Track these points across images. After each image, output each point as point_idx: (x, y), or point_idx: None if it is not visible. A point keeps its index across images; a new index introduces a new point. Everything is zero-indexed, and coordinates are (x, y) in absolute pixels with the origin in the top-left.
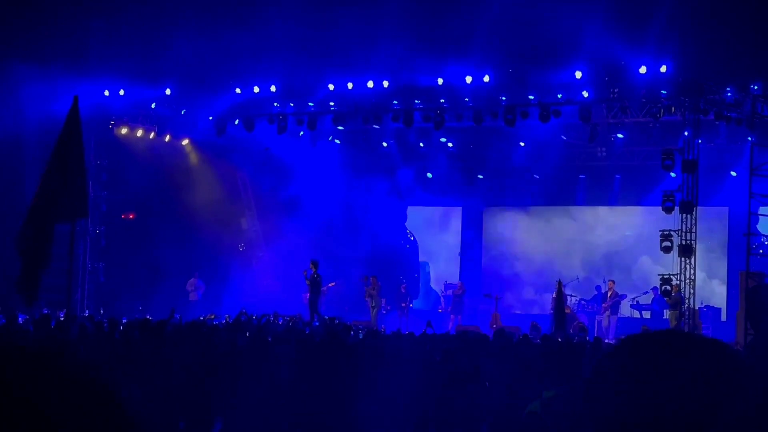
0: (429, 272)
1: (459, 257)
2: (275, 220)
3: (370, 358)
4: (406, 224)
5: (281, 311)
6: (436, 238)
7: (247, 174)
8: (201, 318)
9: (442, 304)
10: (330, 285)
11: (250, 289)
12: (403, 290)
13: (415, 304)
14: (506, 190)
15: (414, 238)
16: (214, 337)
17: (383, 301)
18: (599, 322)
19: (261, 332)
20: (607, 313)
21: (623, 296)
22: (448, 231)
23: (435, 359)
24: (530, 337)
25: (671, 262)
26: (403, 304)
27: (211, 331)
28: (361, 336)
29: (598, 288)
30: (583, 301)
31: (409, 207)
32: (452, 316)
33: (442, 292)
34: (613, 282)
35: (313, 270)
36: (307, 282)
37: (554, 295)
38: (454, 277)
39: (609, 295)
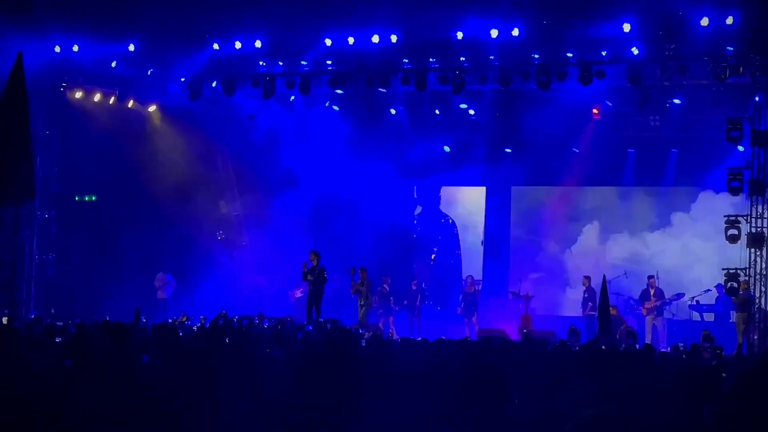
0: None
1: (482, 247)
2: (261, 204)
3: (373, 369)
4: (440, 207)
5: (268, 312)
6: (457, 223)
7: (227, 147)
8: (171, 321)
9: (460, 303)
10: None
11: (230, 286)
12: (414, 287)
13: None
14: (539, 166)
15: (452, 221)
16: (186, 343)
17: (374, 299)
18: (653, 326)
19: (244, 338)
20: (651, 315)
21: (680, 295)
22: (468, 215)
23: (452, 371)
24: (568, 344)
25: (738, 254)
26: (414, 304)
27: (184, 337)
28: (363, 343)
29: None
30: (631, 301)
31: (443, 187)
32: (465, 320)
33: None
34: (655, 278)
35: (315, 262)
36: (308, 277)
37: (584, 294)
38: (477, 271)
39: (652, 293)
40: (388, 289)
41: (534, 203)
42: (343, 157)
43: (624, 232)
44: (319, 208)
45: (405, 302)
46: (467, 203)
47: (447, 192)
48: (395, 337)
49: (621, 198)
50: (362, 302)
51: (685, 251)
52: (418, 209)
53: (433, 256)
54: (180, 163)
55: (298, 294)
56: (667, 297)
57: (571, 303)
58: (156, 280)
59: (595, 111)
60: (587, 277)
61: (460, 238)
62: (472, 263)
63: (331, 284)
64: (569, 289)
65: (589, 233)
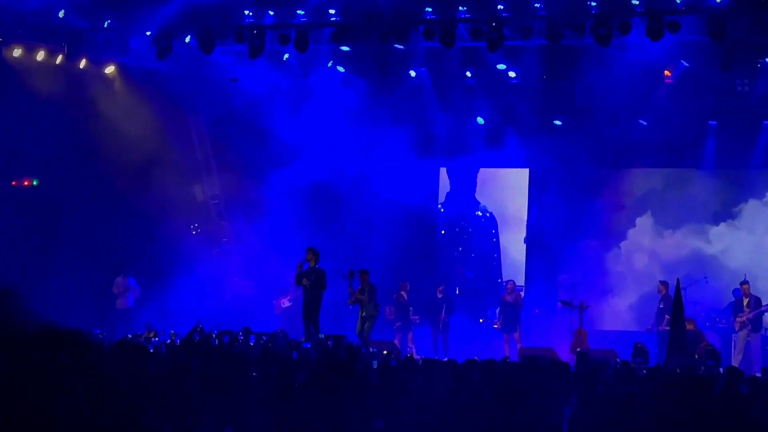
0: None
1: (524, 244)
2: (247, 190)
3: (387, 398)
4: (476, 195)
5: (255, 326)
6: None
7: (203, 119)
8: (133, 336)
9: (498, 316)
10: (284, 303)
11: (208, 293)
12: (439, 295)
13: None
14: (597, 142)
15: (490, 214)
16: (152, 364)
17: (388, 310)
18: (736, 343)
19: (224, 358)
20: (745, 330)
21: None
22: (508, 205)
23: (486, 400)
24: (633, 367)
25: None
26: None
27: (150, 356)
28: (375, 365)
29: (736, 293)
30: (713, 314)
31: (481, 169)
32: (505, 336)
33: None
34: (748, 284)
35: (312, 263)
36: (303, 281)
37: (660, 303)
38: (518, 274)
39: (745, 303)
40: (406, 297)
41: (593, 187)
42: (350, 131)
43: (685, 226)
44: (320, 195)
45: (424, 314)
46: (505, 189)
47: (481, 175)
48: (416, 357)
49: (698, 182)
50: (363, 314)
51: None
52: (444, 197)
53: (466, 249)
54: (145, 138)
55: (286, 303)
56: (765, 306)
57: (617, 314)
58: (115, 285)
59: (667, 73)
60: (664, 283)
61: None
62: (513, 265)
63: (331, 291)
64: (633, 295)
65: (643, 226)
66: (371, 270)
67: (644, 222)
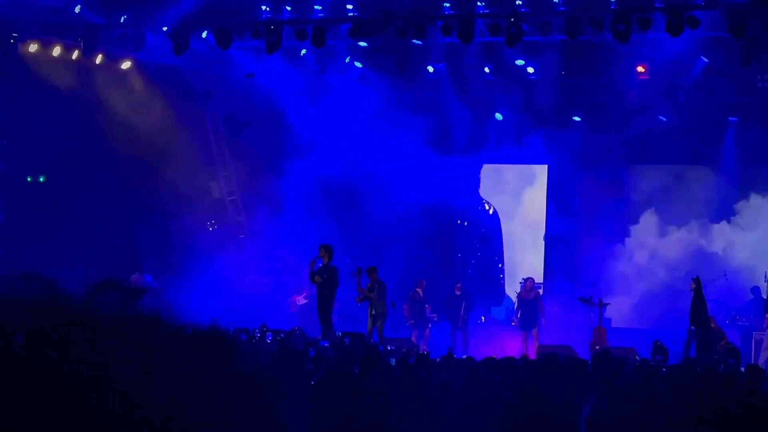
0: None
1: (543, 241)
2: (263, 186)
3: (405, 395)
4: (480, 191)
5: (272, 324)
6: (509, 211)
7: (220, 115)
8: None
9: (515, 313)
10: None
11: (224, 291)
12: (458, 292)
13: (493, 312)
14: (616, 139)
15: (493, 210)
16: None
17: (404, 307)
18: (757, 342)
19: (241, 356)
20: None
21: None
22: (525, 202)
23: (505, 399)
24: (652, 365)
25: None
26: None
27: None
28: (393, 362)
29: (755, 291)
30: (733, 312)
31: (484, 165)
32: (522, 333)
33: (517, 295)
34: None
35: (326, 260)
36: (316, 279)
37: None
38: (537, 271)
39: None
40: (421, 295)
41: (612, 184)
42: (368, 127)
43: (692, 222)
44: (337, 192)
45: (442, 311)
46: (525, 186)
47: (496, 172)
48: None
49: (717, 180)
50: (373, 312)
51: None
52: (465, 193)
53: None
54: (160, 134)
55: (302, 300)
56: None
57: (649, 312)
58: (131, 282)
59: (640, 69)
60: (696, 280)
61: (518, 232)
62: (531, 262)
63: (345, 289)
64: (652, 292)
65: (648, 222)
66: (387, 267)
67: (654, 218)
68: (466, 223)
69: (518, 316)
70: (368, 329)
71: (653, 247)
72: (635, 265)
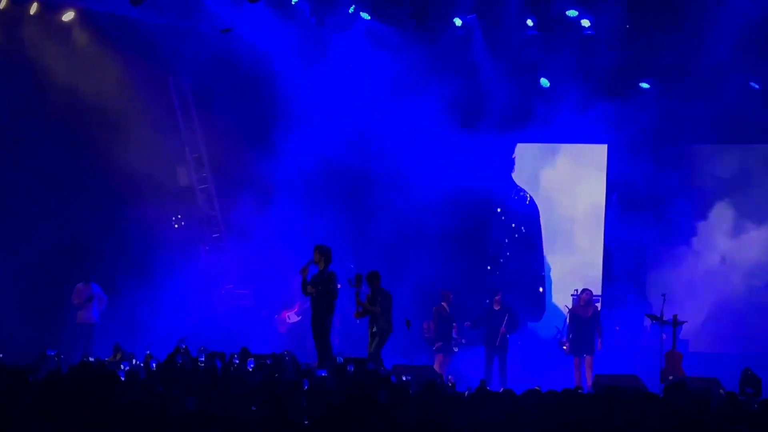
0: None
1: (603, 239)
2: (243, 171)
3: None
4: (513, 176)
5: (255, 347)
6: (557, 203)
7: (188, 80)
8: (95, 361)
9: (566, 334)
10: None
11: (194, 304)
12: (497, 307)
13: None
14: (696, 111)
15: (530, 198)
16: (121, 395)
17: (427, 326)
18: None
19: (215, 387)
20: None
21: None
22: (578, 191)
23: None
24: (741, 399)
25: None
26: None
27: (119, 385)
28: (411, 392)
29: None
30: None
31: (520, 144)
32: (575, 359)
33: (567, 310)
34: None
35: (322, 266)
36: (309, 290)
37: None
38: (593, 282)
39: None
40: (448, 310)
41: (690, 166)
42: (378, 97)
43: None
44: (337, 178)
45: (476, 331)
46: (578, 171)
47: (541, 153)
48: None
49: None
50: (374, 329)
51: None
52: (501, 179)
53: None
54: (112, 105)
55: (293, 317)
56: None
57: (736, 331)
58: (75, 294)
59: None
60: None
61: (567, 228)
62: (585, 268)
63: (342, 301)
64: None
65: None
66: (402, 275)
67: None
68: (503, 218)
69: (569, 337)
70: (369, 351)
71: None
72: (707, 271)
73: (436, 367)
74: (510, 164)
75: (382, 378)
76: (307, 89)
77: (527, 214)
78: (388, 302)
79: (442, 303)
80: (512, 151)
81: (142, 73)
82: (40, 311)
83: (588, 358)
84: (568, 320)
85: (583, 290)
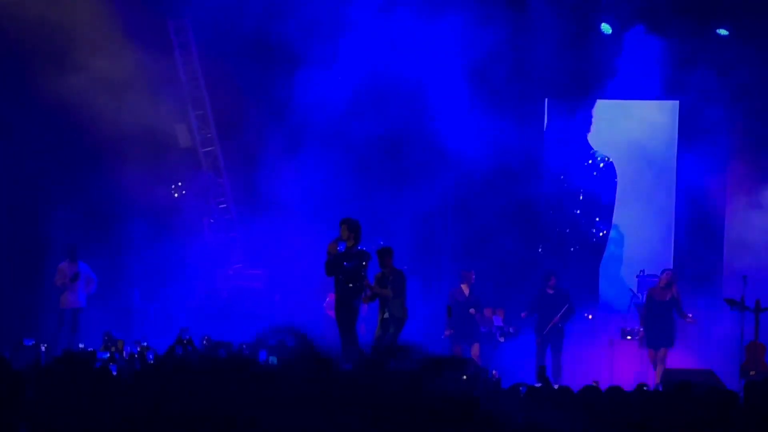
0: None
1: (674, 213)
2: (254, 131)
3: None
4: (588, 137)
5: (271, 336)
6: (618, 168)
7: (190, 24)
8: (84, 349)
9: (642, 323)
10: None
11: (197, 287)
12: (550, 291)
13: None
14: None
15: (607, 160)
16: (116, 390)
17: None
18: None
19: (221, 380)
20: None
21: None
22: (644, 154)
23: None
24: None
25: None
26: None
27: (112, 378)
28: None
29: None
30: None
31: (598, 101)
32: (650, 352)
33: (632, 294)
34: None
35: (350, 243)
36: (333, 269)
37: None
38: (663, 260)
39: None
40: (466, 293)
41: None
42: (406, 50)
43: None
44: (366, 137)
45: (525, 318)
46: (644, 130)
47: (601, 111)
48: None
49: None
50: (385, 315)
51: None
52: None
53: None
54: (100, 52)
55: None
56: None
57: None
58: (58, 274)
59: None
60: None
61: (630, 193)
62: (652, 244)
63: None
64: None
65: None
66: (442, 256)
67: None
68: (566, 187)
69: (645, 325)
70: (376, 338)
71: None
72: None
73: (476, 359)
74: (585, 124)
75: (429, 370)
76: (327, 38)
77: (600, 182)
78: (402, 283)
79: (461, 285)
80: (589, 108)
81: (136, 14)
82: (14, 294)
83: (663, 351)
84: (644, 304)
85: (664, 270)
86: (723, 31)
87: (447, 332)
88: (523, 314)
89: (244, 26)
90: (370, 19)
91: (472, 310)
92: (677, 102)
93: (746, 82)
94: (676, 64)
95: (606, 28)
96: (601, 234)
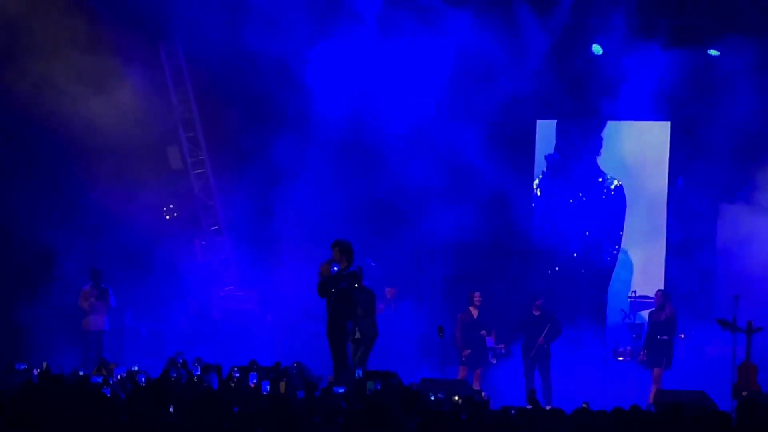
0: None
1: (665, 233)
2: (247, 153)
3: None
4: (598, 160)
5: (260, 358)
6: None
7: (181, 46)
8: (72, 372)
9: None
10: (389, 293)
11: (189, 310)
12: (536, 312)
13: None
14: None
15: (618, 184)
16: (111, 412)
17: (457, 334)
18: None
19: (212, 405)
20: None
21: None
22: (636, 175)
23: None
24: None
25: None
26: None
27: (106, 403)
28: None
29: None
30: None
31: (608, 122)
32: (655, 371)
33: (624, 315)
34: None
35: (343, 264)
36: (329, 291)
37: None
38: (655, 282)
39: None
40: (475, 316)
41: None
42: (396, 63)
43: None
44: (355, 162)
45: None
46: (636, 151)
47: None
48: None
49: None
50: (356, 334)
51: None
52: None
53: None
54: (92, 75)
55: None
56: None
57: None
58: (82, 296)
59: None
60: None
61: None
62: (645, 264)
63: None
64: None
65: None
66: (433, 274)
67: None
68: (574, 211)
69: (646, 347)
70: (352, 360)
71: None
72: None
73: (474, 381)
74: (596, 146)
75: (414, 395)
76: (318, 59)
77: (609, 205)
78: (372, 302)
79: (470, 308)
80: (599, 128)
81: (127, 39)
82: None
83: (656, 371)
84: (646, 327)
85: (658, 291)
86: (714, 52)
87: (465, 352)
88: (483, 332)
89: (236, 48)
90: (367, 41)
91: (483, 332)
92: (668, 122)
93: (737, 102)
94: (668, 84)
95: (597, 49)
96: (608, 258)
